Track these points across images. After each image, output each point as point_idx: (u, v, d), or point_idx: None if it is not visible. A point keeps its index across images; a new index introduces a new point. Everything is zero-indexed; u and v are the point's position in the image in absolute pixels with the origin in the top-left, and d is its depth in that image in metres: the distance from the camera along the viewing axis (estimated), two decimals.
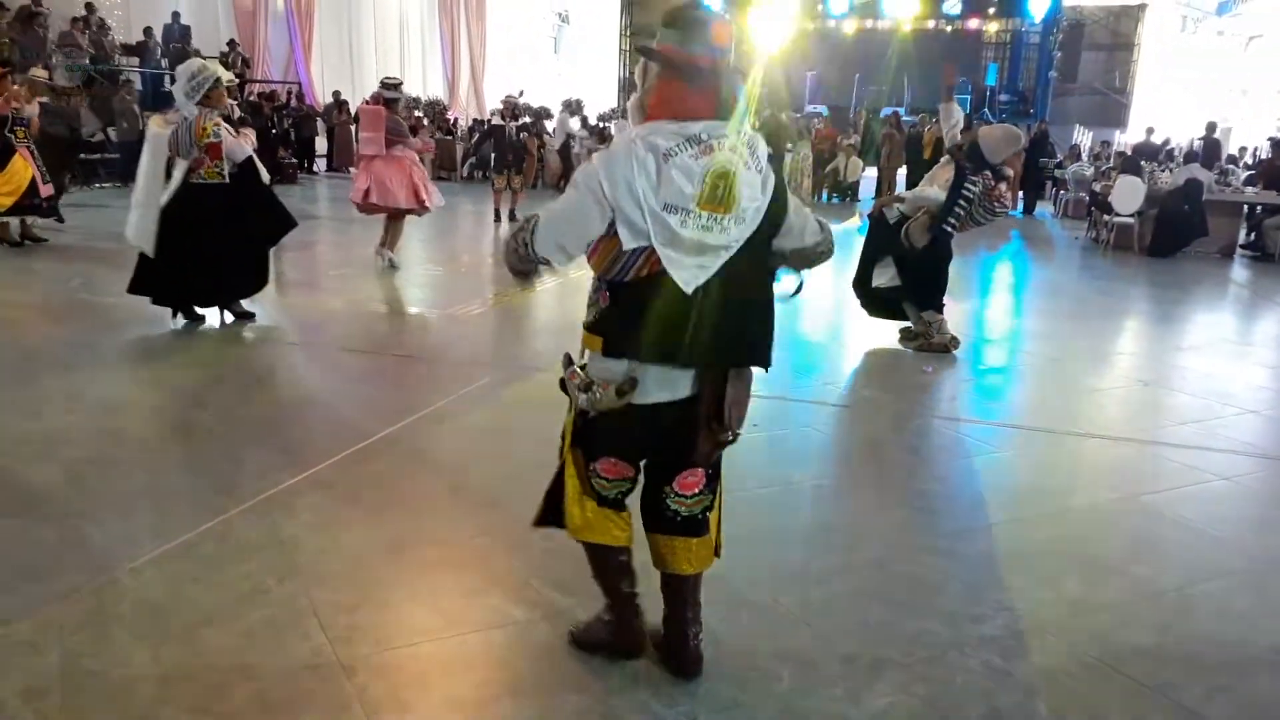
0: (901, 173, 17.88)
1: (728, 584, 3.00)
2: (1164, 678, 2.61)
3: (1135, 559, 3.34)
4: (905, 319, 6.50)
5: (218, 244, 5.87)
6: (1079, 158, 18.77)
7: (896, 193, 6.56)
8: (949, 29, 27.20)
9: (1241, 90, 22.36)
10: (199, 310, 6.21)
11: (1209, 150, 15.65)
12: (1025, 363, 6.54)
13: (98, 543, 3.11)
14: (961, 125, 6.27)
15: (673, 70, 2.23)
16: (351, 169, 15.68)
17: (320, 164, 19.69)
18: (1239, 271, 11.74)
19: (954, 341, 6.32)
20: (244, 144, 5.84)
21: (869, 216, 6.64)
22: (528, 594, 2.89)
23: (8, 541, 3.11)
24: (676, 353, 2.26)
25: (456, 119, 22.96)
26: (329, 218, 12.55)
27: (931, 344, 6.30)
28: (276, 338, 6.02)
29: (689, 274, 2.21)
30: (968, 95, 25.71)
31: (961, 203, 5.92)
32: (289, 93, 20.31)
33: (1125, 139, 23.31)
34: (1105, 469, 4.39)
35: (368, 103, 9.28)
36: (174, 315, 6.17)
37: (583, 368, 2.37)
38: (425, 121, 18.19)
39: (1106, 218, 13.04)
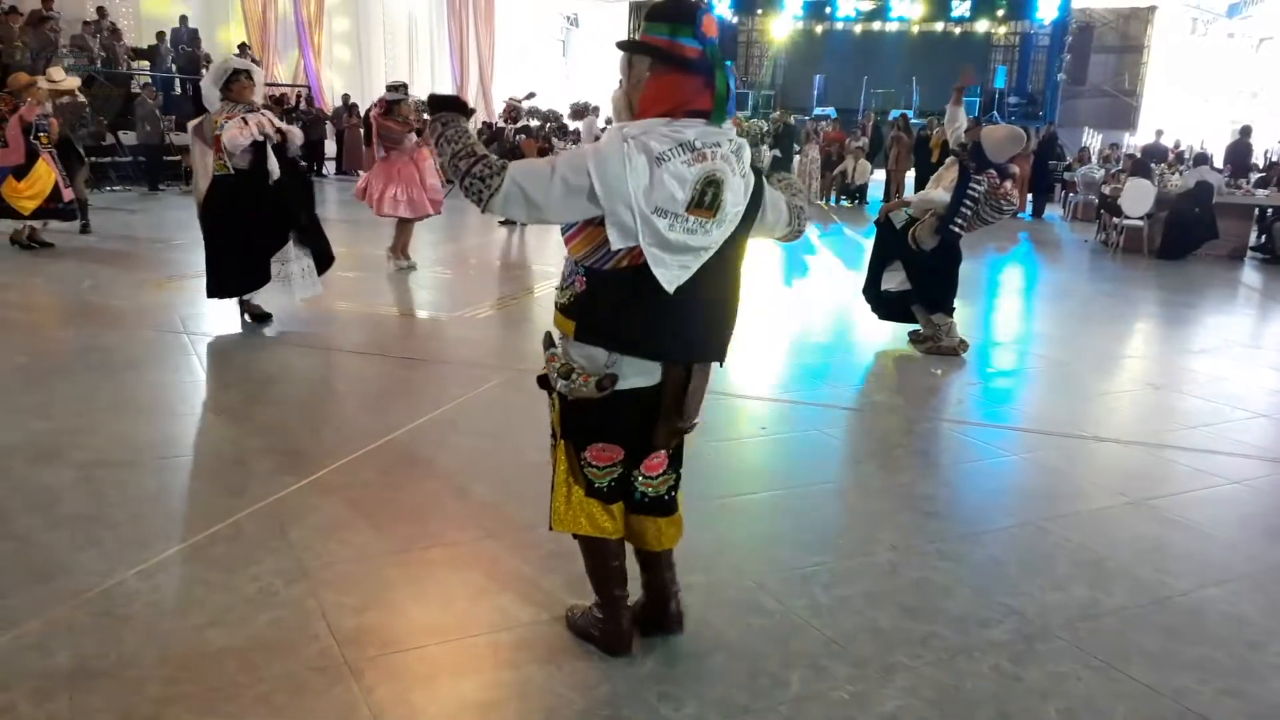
0: (910, 175, 17.87)
1: (736, 588, 3.01)
2: (1173, 682, 2.60)
3: (1144, 563, 3.33)
4: (914, 322, 6.50)
5: (226, 235, 5.96)
6: (1088, 160, 18.71)
7: (903, 197, 6.53)
8: (957, 31, 27.21)
9: (1252, 93, 22.26)
10: (263, 309, 6.26)
11: (1239, 153, 15.30)
12: (1034, 366, 6.52)
13: (107, 545, 3.13)
14: (965, 127, 6.25)
15: (664, 63, 2.24)
16: (360, 171, 15.72)
17: (330, 167, 19.74)
18: (1249, 274, 11.70)
19: (963, 344, 6.31)
20: (240, 136, 5.74)
21: (876, 223, 6.63)
22: (535, 596, 2.89)
23: (18, 543, 3.12)
24: (654, 348, 2.33)
25: None
26: (337, 220, 12.56)
27: (940, 347, 6.29)
28: (285, 340, 6.03)
29: (672, 273, 2.25)
30: (976, 97, 25.70)
31: (967, 203, 5.91)
32: (298, 96, 20.39)
33: (1135, 141, 23.26)
34: (1114, 473, 4.37)
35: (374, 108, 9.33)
36: (242, 315, 6.25)
37: (562, 353, 2.40)
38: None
39: (1116, 220, 13.01)
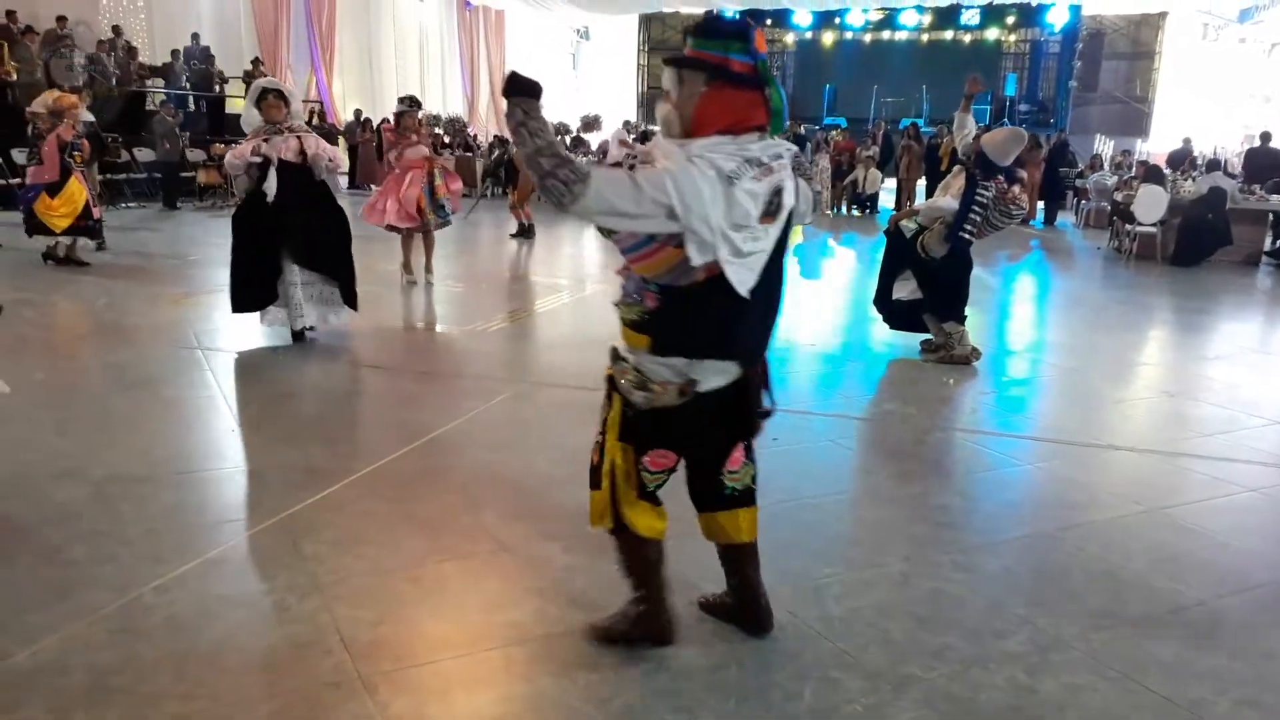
0: (921, 184, 17.84)
1: None
2: (1190, 693, 2.58)
3: (1160, 572, 3.31)
4: (926, 332, 6.48)
5: (237, 251, 6.05)
6: (1100, 167, 18.65)
7: (912, 205, 6.53)
8: (967, 39, 27.19)
9: (1265, 98, 22.15)
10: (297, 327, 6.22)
11: (1261, 158, 15.07)
12: (1047, 374, 6.50)
13: (124, 561, 3.15)
14: (974, 134, 6.24)
15: (718, 78, 2.29)
16: (373, 185, 15.83)
17: (342, 181, 19.83)
18: (1264, 280, 11.63)
19: (975, 353, 6.29)
20: (235, 158, 5.83)
21: (885, 233, 6.62)
22: (548, 609, 2.90)
23: (36, 560, 3.15)
24: (732, 350, 2.43)
25: (476, 135, 23.11)
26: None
27: (953, 356, 6.27)
28: (298, 355, 6.06)
29: (745, 276, 2.34)
30: (987, 105, 25.67)
31: (976, 209, 5.90)
32: (311, 111, 20.53)
33: (1148, 148, 23.16)
34: (1129, 481, 4.35)
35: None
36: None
37: (635, 367, 2.46)
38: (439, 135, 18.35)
39: (1129, 227, 12.95)
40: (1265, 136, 15.67)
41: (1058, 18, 25.38)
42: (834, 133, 20.04)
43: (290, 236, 5.95)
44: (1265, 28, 22.10)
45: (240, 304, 6.11)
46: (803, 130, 20.27)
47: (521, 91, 2.28)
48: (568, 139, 20.17)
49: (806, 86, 29.64)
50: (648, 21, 30.43)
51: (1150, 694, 2.57)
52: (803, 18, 27.31)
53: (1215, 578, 3.30)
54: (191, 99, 17.80)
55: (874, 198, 18.50)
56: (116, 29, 16.69)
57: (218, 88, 18.18)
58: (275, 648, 2.67)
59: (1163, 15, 25.92)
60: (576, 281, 9.92)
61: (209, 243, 10.74)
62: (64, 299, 7.82)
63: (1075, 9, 24.93)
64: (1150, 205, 12.41)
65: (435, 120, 11.43)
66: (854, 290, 9.86)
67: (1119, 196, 14.09)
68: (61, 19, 15.51)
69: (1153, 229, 12.54)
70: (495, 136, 22.87)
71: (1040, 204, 18.02)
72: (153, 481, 3.88)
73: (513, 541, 3.38)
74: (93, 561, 3.14)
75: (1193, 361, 7.09)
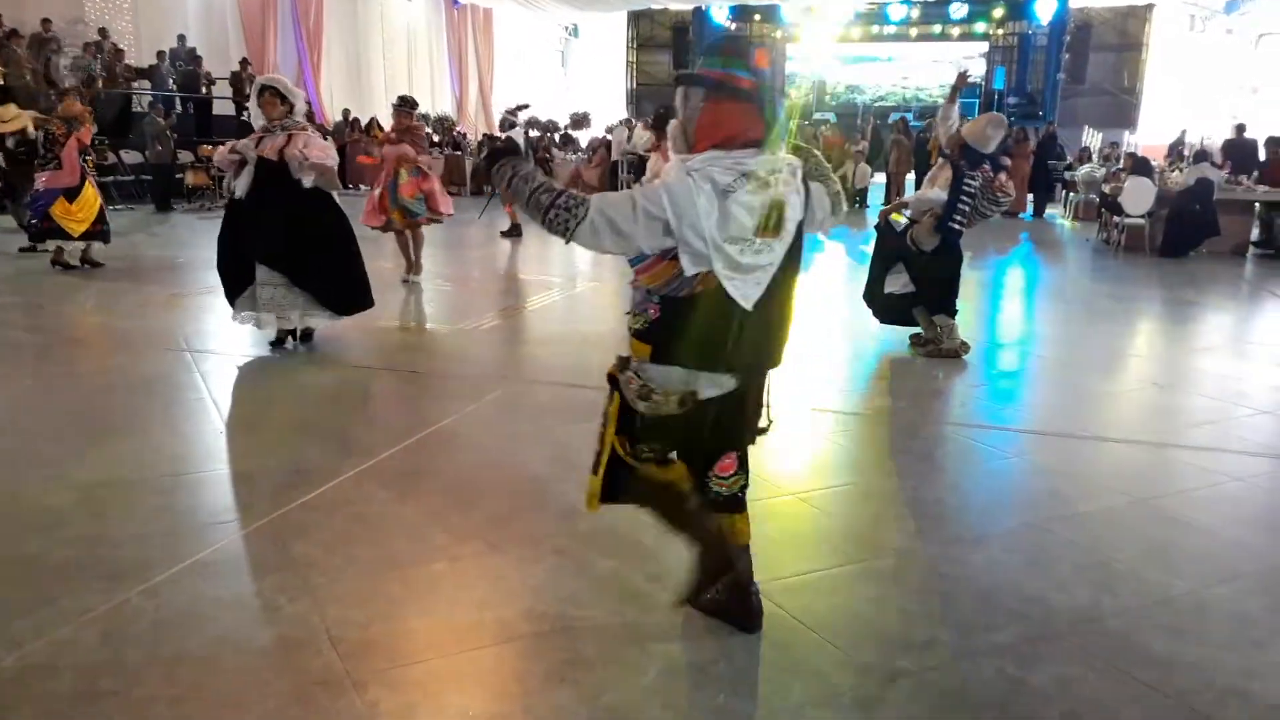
0: (910, 178, 17.88)
1: None
2: (1178, 683, 2.59)
3: (1148, 563, 3.32)
4: (915, 326, 6.49)
5: (220, 243, 6.02)
6: (1089, 159, 18.70)
7: (902, 198, 6.55)
8: (955, 32, 27.24)
9: (1252, 88, 22.22)
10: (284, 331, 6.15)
11: (1240, 150, 15.22)
12: (1037, 367, 6.51)
13: (112, 564, 3.13)
14: (956, 125, 6.25)
15: (718, 94, 2.39)
16: (363, 186, 15.79)
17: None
18: (1252, 270, 11.68)
19: (964, 346, 6.31)
20: (218, 158, 5.86)
21: (876, 227, 6.63)
22: (538, 608, 2.90)
23: (23, 564, 3.13)
24: (731, 362, 2.48)
25: (465, 134, 23.07)
26: None
27: (942, 349, 6.29)
28: (288, 355, 6.04)
29: (749, 291, 2.40)
30: (976, 99, 25.71)
31: (964, 199, 5.93)
32: (304, 114, 20.44)
33: (1136, 139, 23.22)
34: (1118, 473, 4.37)
35: None
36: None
37: (638, 373, 2.51)
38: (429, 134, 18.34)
39: (1117, 219, 13.00)
40: (1240, 128, 15.82)
41: (1045, 10, 25.42)
42: (823, 127, 20.04)
43: (260, 235, 5.80)
44: (1251, 19, 22.18)
45: (229, 298, 6.09)
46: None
47: (503, 155, 2.48)
48: (557, 136, 20.22)
49: (794, 81, 29.65)
50: (636, 18, 30.39)
51: (1139, 684, 2.58)
52: (792, 13, 27.30)
53: (1204, 568, 3.31)
54: (179, 100, 17.71)
55: (863, 192, 18.53)
56: (103, 31, 16.61)
57: (205, 89, 18.10)
58: (266, 649, 2.66)
59: (1149, 7, 26.00)
60: (568, 279, 9.91)
61: (197, 244, 10.71)
62: (51, 302, 7.78)
63: (1062, 2, 24.98)
64: (1138, 197, 12.45)
65: (424, 119, 11.45)
66: (843, 285, 9.87)
67: (1107, 188, 14.14)
68: (46, 21, 15.44)
69: (1141, 220, 12.60)
70: (484, 135, 22.85)
71: (1029, 196, 18.06)
72: (141, 484, 3.87)
73: (503, 541, 3.37)
74: (80, 565, 3.12)
75: (1181, 353, 7.12)
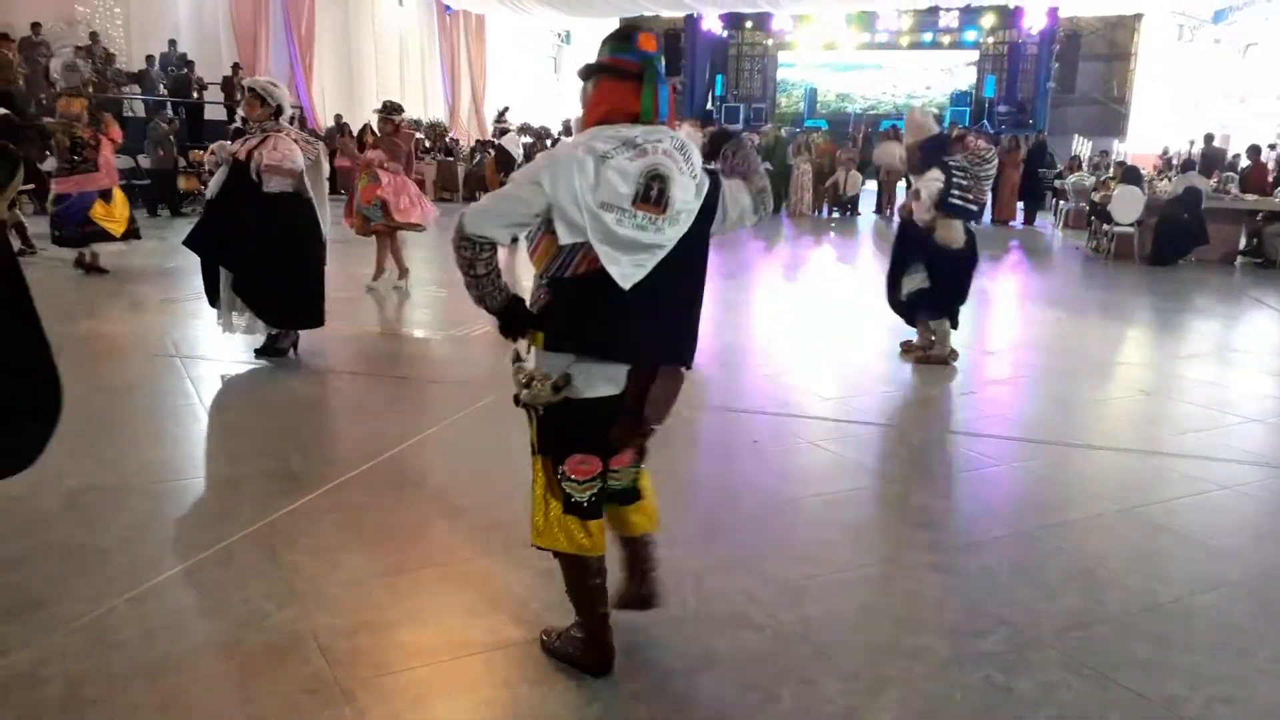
0: (901, 186, 17.92)
1: (727, 601, 3.01)
2: (1164, 689, 2.60)
3: (1135, 570, 3.34)
4: (918, 326, 6.48)
5: None
6: (1079, 168, 18.80)
7: (915, 190, 6.56)
8: (946, 41, 27.37)
9: (1240, 97, 22.37)
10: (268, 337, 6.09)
11: (1209, 160, 15.67)
12: (1026, 374, 6.53)
13: (98, 571, 3.12)
14: (899, 150, 6.40)
15: (603, 74, 2.43)
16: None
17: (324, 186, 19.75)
18: (1240, 279, 11.74)
19: (953, 354, 6.33)
20: (207, 157, 5.87)
21: (901, 221, 6.56)
22: (527, 615, 2.89)
23: (9, 571, 3.12)
24: (613, 349, 2.41)
25: (458, 140, 23.07)
26: (330, 240, 12.60)
27: (930, 356, 6.31)
28: (277, 362, 6.02)
29: (626, 270, 2.34)
30: (967, 107, 25.84)
31: (958, 174, 6.01)
32: (290, 117, 20.42)
33: (1125, 148, 23.35)
34: (1105, 480, 4.39)
35: None
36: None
37: (528, 365, 2.50)
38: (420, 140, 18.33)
39: (1106, 227, 13.06)
40: (1209, 138, 16.13)
41: (1035, 20, 25.57)
42: (815, 135, 20.09)
43: (220, 235, 5.78)
44: (1239, 28, 22.33)
45: (209, 297, 6.07)
46: (784, 133, 20.32)
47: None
48: (549, 142, 20.21)
49: (786, 88, 29.79)
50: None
51: (1125, 691, 2.59)
52: (783, 21, 27.41)
53: (1191, 575, 3.33)
54: (169, 105, 17.66)
55: (855, 200, 18.58)
56: (94, 35, 16.56)
57: (196, 94, 18.06)
58: (252, 656, 2.65)
59: (1138, 17, 26.16)
60: None
61: (188, 250, 10.65)
62: (42, 307, 7.73)
63: (1052, 11, 25.12)
64: (1127, 205, 12.52)
65: (416, 125, 11.46)
66: (831, 291, 9.90)
67: (1097, 197, 14.22)
68: (36, 25, 15.40)
69: (1130, 229, 12.66)
70: (477, 141, 22.86)
71: (1019, 204, 18.14)
72: (127, 491, 3.85)
73: (491, 548, 3.37)
74: (66, 573, 3.11)
75: (1170, 360, 7.15)
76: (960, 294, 6.35)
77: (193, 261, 6.44)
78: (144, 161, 15.10)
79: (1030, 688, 2.59)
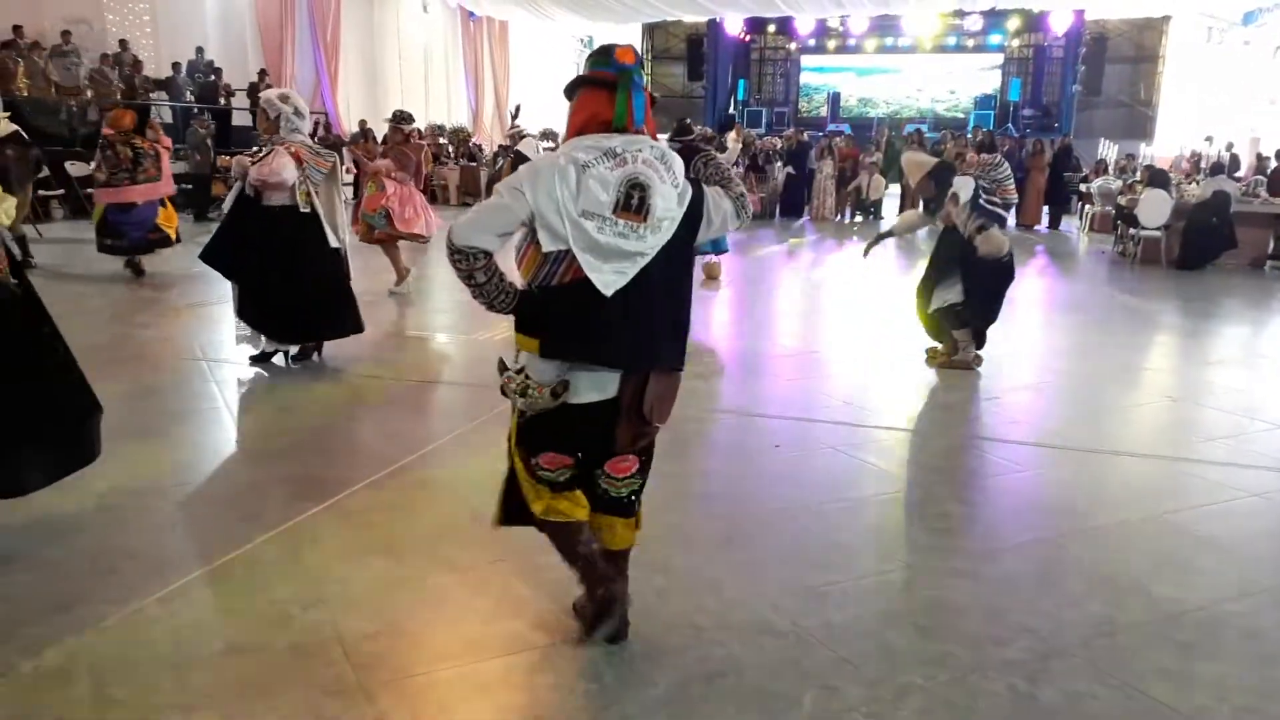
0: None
1: (749, 607, 3.01)
2: (1191, 700, 2.58)
3: (1161, 578, 3.31)
4: (942, 338, 6.44)
5: None
6: (1105, 171, 18.64)
7: (881, 233, 6.61)
8: (970, 44, 27.25)
9: (1270, 100, 22.09)
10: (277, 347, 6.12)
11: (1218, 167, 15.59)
12: (1051, 380, 6.48)
13: (127, 573, 3.16)
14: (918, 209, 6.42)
15: (582, 85, 2.51)
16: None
17: (347, 192, 19.89)
18: (1269, 283, 11.60)
19: (977, 359, 6.29)
20: (235, 164, 5.90)
21: (944, 226, 6.42)
22: (547, 619, 2.90)
23: (39, 572, 3.17)
24: (600, 355, 2.46)
25: (481, 145, 23.17)
26: (350, 245, 12.68)
27: (953, 362, 6.28)
28: (302, 365, 6.08)
29: (607, 278, 2.39)
30: (992, 110, 25.70)
31: (982, 184, 6.05)
32: (316, 122, 20.60)
33: (1152, 151, 23.12)
34: (1131, 487, 4.35)
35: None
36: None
37: (519, 371, 2.53)
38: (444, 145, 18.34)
39: (1133, 231, 12.94)
40: (1228, 145, 16.05)
41: (1060, 22, 25.40)
42: (838, 139, 20.02)
43: (229, 248, 5.85)
44: (1269, 30, 22.06)
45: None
46: (806, 137, 20.28)
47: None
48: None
49: (809, 93, 29.74)
50: (651, 30, 30.52)
51: (1151, 701, 2.57)
52: (805, 25, 27.37)
53: (1218, 583, 3.29)
54: (196, 112, 17.85)
55: (878, 204, 18.51)
56: (123, 43, 16.77)
57: (224, 100, 18.25)
58: (277, 658, 2.68)
59: (1166, 19, 25.89)
60: None
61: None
62: (66, 311, 7.83)
63: (1078, 14, 24.95)
64: (1154, 209, 12.40)
65: (439, 130, 11.53)
66: (853, 296, 9.86)
67: (1123, 200, 14.09)
68: (66, 33, 15.61)
69: (1157, 233, 12.53)
70: (500, 145, 22.95)
71: (1045, 208, 18.01)
72: (157, 493, 3.90)
73: (513, 552, 3.37)
74: (95, 573, 3.15)
75: (1197, 366, 7.08)
76: (991, 313, 6.30)
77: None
78: (181, 167, 15.23)
79: (1055, 696, 2.58)
